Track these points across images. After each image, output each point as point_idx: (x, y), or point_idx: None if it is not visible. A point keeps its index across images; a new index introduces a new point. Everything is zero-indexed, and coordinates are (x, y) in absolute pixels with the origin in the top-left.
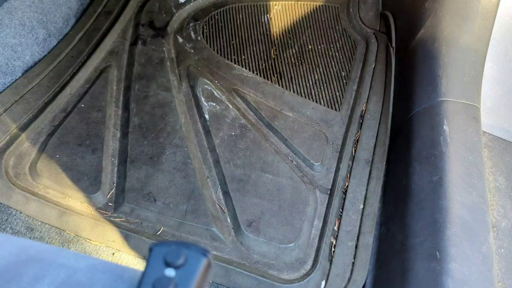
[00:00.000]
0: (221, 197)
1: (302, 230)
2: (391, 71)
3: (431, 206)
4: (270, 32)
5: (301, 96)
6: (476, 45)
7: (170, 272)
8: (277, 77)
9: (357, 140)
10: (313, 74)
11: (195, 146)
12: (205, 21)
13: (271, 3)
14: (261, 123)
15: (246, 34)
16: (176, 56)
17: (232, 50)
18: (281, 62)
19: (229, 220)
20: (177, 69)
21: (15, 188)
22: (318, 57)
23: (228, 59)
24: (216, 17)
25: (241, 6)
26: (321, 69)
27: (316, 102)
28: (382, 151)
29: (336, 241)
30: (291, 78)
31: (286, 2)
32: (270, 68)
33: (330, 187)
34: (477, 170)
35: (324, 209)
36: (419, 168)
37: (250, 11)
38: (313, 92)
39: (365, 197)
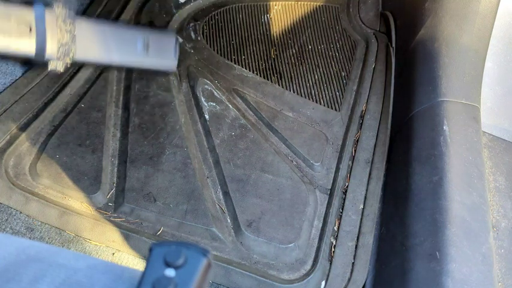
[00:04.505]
0: (221, 197)
1: (302, 230)
2: (391, 71)
3: (431, 206)
4: (270, 32)
5: (301, 96)
6: (476, 45)
7: (170, 272)
8: (277, 77)
9: (357, 140)
10: (313, 74)
11: (195, 146)
12: (205, 21)
13: (271, 3)
14: (261, 123)
15: (246, 34)
16: None
17: (232, 50)
18: (281, 62)
19: (229, 220)
20: (177, 69)
21: (15, 188)
22: (318, 57)
23: (228, 59)
24: (216, 17)
25: (241, 6)
26: (321, 69)
27: (316, 102)
28: (382, 151)
29: (336, 241)
30: (291, 78)
31: (286, 2)
32: (270, 68)
33: (330, 187)
34: (477, 170)
35: (324, 209)
36: (419, 168)
37: (250, 11)
38: (313, 92)
39: (365, 197)
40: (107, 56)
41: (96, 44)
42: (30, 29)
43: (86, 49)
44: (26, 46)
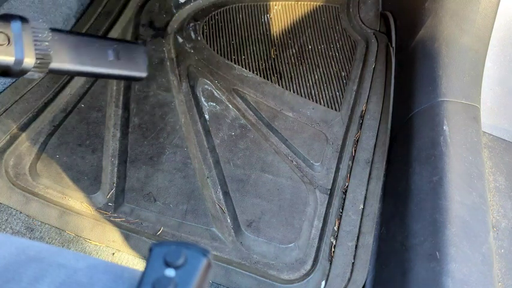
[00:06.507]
0: (221, 197)
1: (302, 230)
2: (391, 71)
3: (431, 206)
4: (270, 32)
5: (301, 96)
6: (476, 45)
7: (170, 272)
8: (277, 77)
9: (357, 140)
10: (313, 74)
11: (195, 146)
12: (205, 21)
13: (271, 3)
14: (261, 123)
15: (246, 34)
16: (176, 56)
17: (232, 50)
18: (281, 62)
19: (229, 220)
20: (177, 69)
21: (15, 188)
22: (318, 57)
23: (228, 59)
24: (216, 17)
25: (241, 6)
26: (321, 69)
27: (316, 102)
28: (382, 151)
29: (336, 241)
30: (291, 78)
31: (286, 2)
32: (270, 68)
33: (330, 187)
34: (477, 170)
35: (324, 209)
36: (419, 168)
37: (250, 11)
38: (313, 92)
39: (365, 197)
40: (80, 66)
41: (70, 55)
42: (9, 41)
43: (61, 60)
44: (4, 58)
